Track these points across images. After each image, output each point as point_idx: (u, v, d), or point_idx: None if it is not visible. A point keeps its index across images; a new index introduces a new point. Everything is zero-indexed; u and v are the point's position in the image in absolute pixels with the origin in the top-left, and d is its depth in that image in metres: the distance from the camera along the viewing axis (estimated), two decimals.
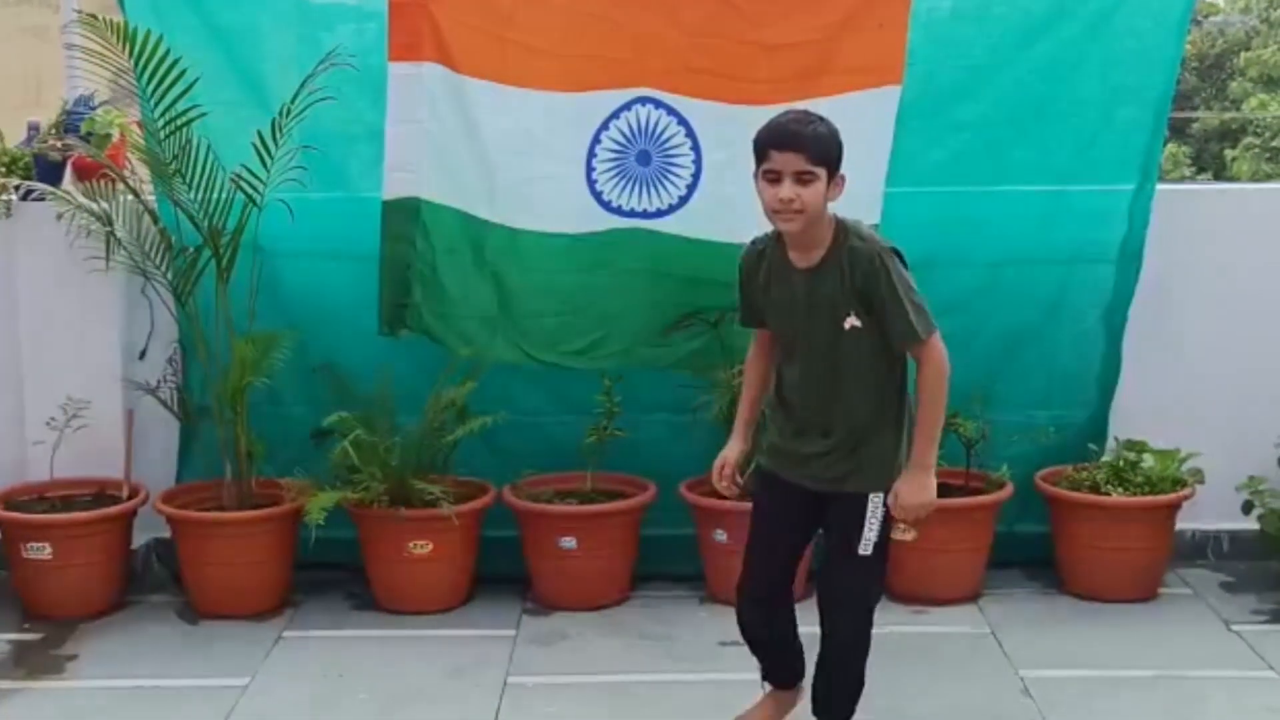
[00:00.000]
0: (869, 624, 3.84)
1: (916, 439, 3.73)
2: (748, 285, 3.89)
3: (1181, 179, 17.11)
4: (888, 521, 3.77)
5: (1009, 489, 5.33)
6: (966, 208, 5.46)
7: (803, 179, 3.56)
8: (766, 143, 3.61)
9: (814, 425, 3.78)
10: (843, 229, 3.68)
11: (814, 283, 3.69)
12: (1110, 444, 5.50)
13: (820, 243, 3.67)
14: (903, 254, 3.70)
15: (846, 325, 3.66)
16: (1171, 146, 18.88)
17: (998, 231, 5.46)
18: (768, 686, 4.13)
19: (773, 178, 3.59)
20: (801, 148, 3.56)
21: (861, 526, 3.74)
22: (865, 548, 3.75)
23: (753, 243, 3.89)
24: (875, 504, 3.74)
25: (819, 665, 3.89)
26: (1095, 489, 5.30)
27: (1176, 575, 5.50)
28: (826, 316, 3.69)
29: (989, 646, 4.88)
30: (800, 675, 4.08)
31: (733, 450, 4.00)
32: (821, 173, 3.57)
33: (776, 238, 3.77)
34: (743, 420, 4.02)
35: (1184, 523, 5.43)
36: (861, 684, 3.87)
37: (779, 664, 4.09)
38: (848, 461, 3.76)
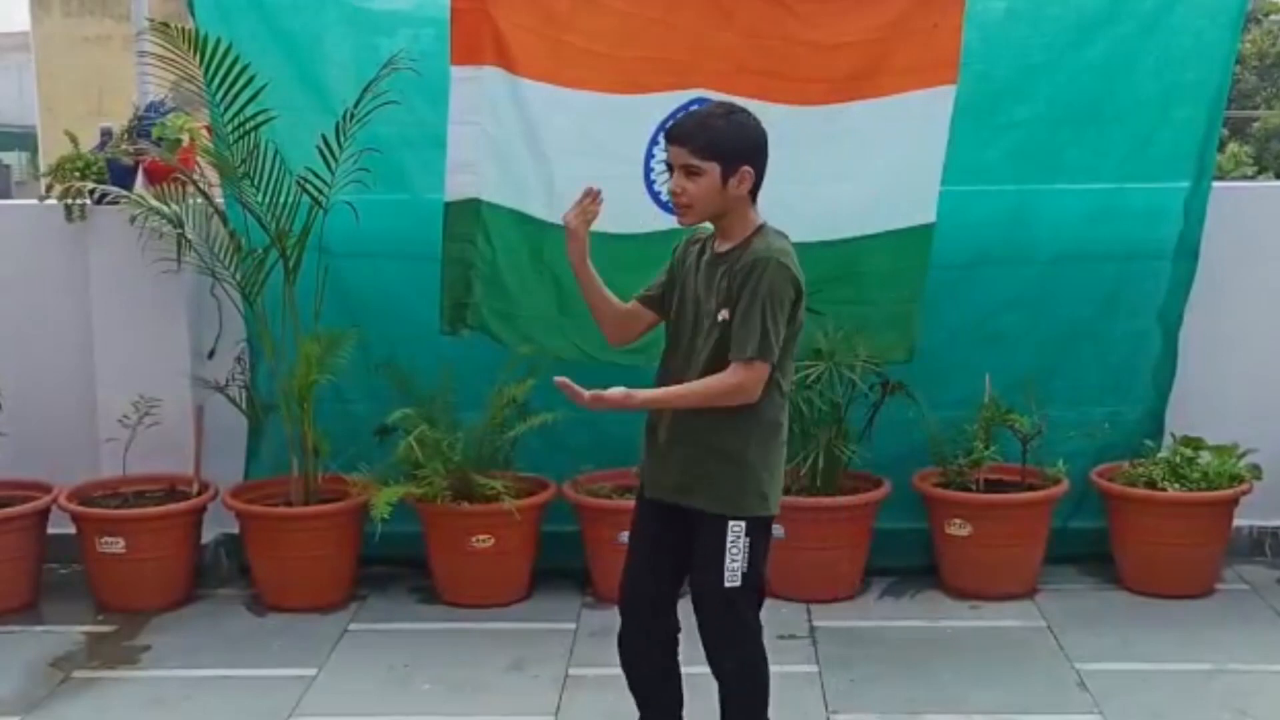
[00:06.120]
0: (755, 662, 3.59)
1: (658, 391, 3.50)
2: (672, 269, 3.66)
3: (1243, 178, 16.90)
4: (758, 550, 3.49)
5: (1065, 484, 5.35)
6: (1022, 205, 5.50)
7: (688, 172, 3.44)
8: (664, 134, 3.55)
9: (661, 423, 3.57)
10: (761, 232, 3.51)
11: (715, 267, 3.53)
12: (1166, 440, 5.51)
13: (733, 236, 3.52)
14: (802, 288, 3.49)
15: (719, 316, 3.47)
16: (1233, 146, 18.69)
17: (1053, 229, 5.50)
18: None
19: (669, 169, 3.51)
20: (684, 141, 3.44)
21: (723, 555, 3.46)
22: (732, 578, 3.46)
23: (696, 235, 3.66)
24: (736, 532, 3.46)
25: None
26: (1152, 485, 5.31)
27: (1233, 571, 5.50)
28: (709, 303, 3.51)
29: (1045, 640, 4.91)
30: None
31: None
32: (711, 167, 3.42)
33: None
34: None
35: (1241, 519, 5.44)
36: None
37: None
38: (694, 471, 3.50)
